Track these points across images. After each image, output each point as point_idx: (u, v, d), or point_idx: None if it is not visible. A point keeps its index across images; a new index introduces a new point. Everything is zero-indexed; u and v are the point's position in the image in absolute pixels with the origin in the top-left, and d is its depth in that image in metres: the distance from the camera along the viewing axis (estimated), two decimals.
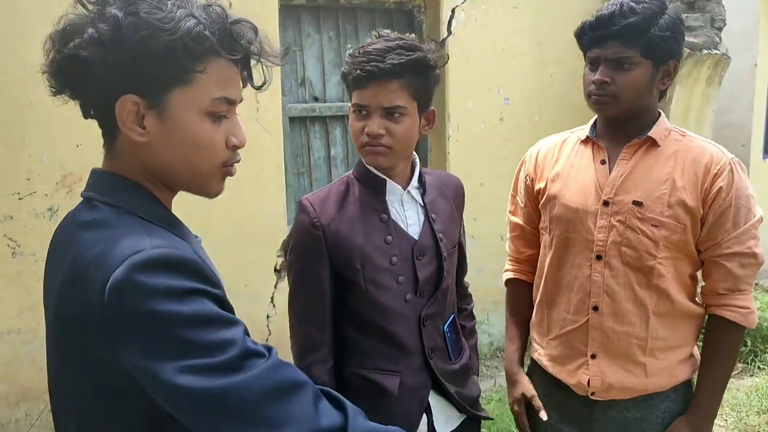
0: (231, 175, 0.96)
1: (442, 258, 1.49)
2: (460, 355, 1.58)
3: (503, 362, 1.80)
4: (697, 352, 1.64)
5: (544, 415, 1.66)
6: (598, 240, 1.54)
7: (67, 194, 2.85)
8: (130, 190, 0.89)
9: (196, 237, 1.01)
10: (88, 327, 0.80)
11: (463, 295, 1.72)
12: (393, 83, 1.33)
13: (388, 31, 1.40)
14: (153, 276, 0.77)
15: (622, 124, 1.56)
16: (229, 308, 0.85)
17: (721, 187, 1.48)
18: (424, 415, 1.48)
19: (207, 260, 0.94)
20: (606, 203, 1.54)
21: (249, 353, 0.80)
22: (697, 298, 1.63)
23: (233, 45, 0.88)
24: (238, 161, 0.96)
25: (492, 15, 3.78)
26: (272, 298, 3.38)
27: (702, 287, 1.63)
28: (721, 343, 1.56)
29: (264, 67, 0.94)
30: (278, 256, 3.37)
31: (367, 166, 1.45)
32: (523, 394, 1.72)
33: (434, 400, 1.50)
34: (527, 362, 1.81)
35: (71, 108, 0.93)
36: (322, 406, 0.84)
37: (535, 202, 1.70)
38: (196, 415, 0.78)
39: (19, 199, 2.78)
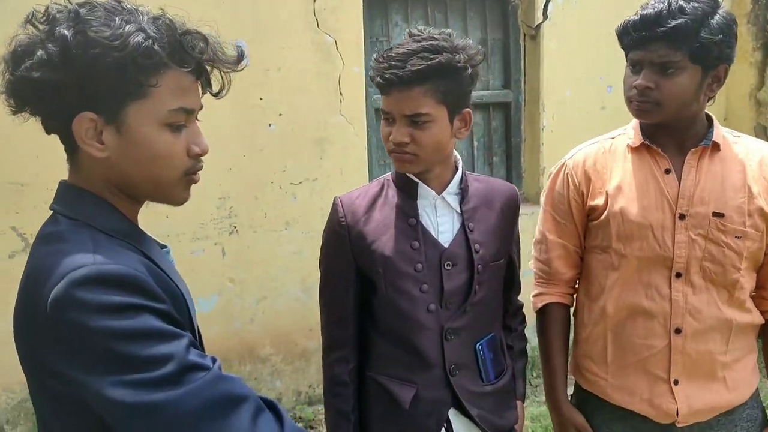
0: (195, 182, 0.96)
1: (474, 269, 1.40)
2: (497, 377, 1.48)
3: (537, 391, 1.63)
4: None
5: None
6: (677, 257, 1.42)
7: None
8: (91, 203, 0.90)
9: (164, 247, 1.01)
10: (37, 340, 0.82)
11: (513, 313, 1.61)
12: (415, 90, 1.26)
13: (422, 28, 1.33)
14: (90, 292, 0.78)
15: (678, 129, 1.43)
16: (176, 322, 0.84)
17: None
18: None
19: (169, 271, 0.93)
20: (682, 216, 1.42)
21: (189, 367, 0.79)
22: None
23: (184, 56, 0.87)
24: (200, 168, 0.95)
25: None
26: None
27: (761, 291, 1.52)
28: None
29: (222, 73, 0.92)
30: None
31: None
32: (577, 429, 1.58)
33: (456, 420, 1.42)
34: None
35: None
36: (262, 421, 0.81)
37: (583, 219, 1.55)
38: (132, 430, 0.78)
39: None
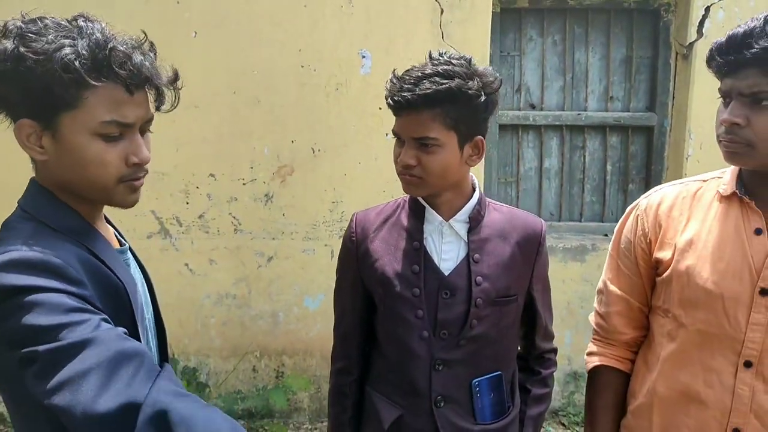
0: (136, 188, 1.01)
1: (472, 302, 1.32)
2: (495, 419, 1.38)
3: None
4: None
5: None
6: (749, 341, 1.17)
7: (281, 183, 3.21)
8: (44, 201, 0.98)
9: (122, 245, 1.08)
10: None
11: (537, 357, 1.49)
12: (424, 114, 1.23)
13: (444, 51, 1.29)
14: (8, 273, 0.84)
15: None
16: (95, 307, 0.88)
17: None
18: None
19: (114, 267, 0.98)
20: (764, 292, 1.16)
21: (99, 327, 0.84)
22: None
23: (109, 73, 0.91)
24: (142, 175, 1.01)
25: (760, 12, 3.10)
26: None
27: None
28: None
29: (173, 90, 0.96)
30: None
31: None
32: None
33: None
34: None
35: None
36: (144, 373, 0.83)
37: (649, 271, 1.33)
38: (44, 374, 0.81)
39: (243, 184, 3.22)
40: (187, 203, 3.22)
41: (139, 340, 1.03)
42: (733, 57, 1.11)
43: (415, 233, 1.38)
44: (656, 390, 1.30)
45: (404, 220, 1.41)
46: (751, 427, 1.18)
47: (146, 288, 1.19)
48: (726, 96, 1.16)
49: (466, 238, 1.37)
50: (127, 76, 0.92)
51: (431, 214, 1.37)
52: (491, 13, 3.12)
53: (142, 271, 1.19)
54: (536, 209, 3.49)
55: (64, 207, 1.00)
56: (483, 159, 1.39)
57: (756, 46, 1.08)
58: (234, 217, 3.25)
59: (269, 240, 3.26)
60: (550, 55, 3.37)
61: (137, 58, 0.93)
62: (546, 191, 3.49)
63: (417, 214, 1.39)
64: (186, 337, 3.35)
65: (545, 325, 1.47)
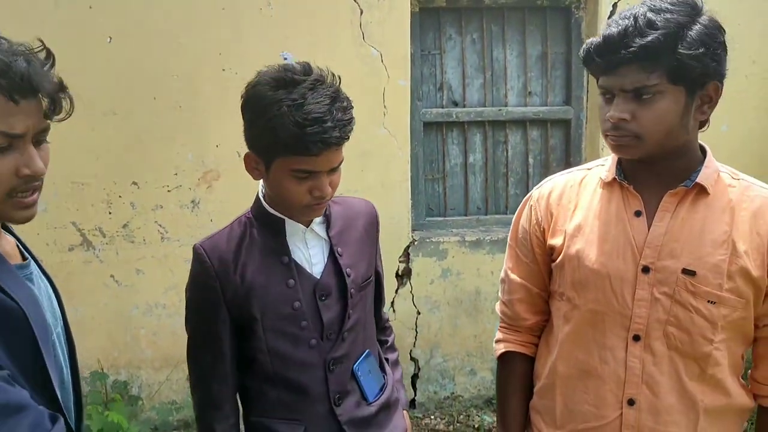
0: (28, 203, 0.97)
1: (348, 294, 1.37)
2: (379, 392, 1.46)
3: None
4: None
5: None
6: (636, 316, 1.24)
7: (207, 189, 3.18)
8: None
9: (25, 260, 1.06)
10: None
11: (383, 327, 1.60)
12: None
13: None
14: None
15: (658, 164, 1.23)
16: None
17: None
18: None
19: (8, 286, 0.96)
20: (646, 269, 1.23)
21: None
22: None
23: None
24: (33, 188, 0.98)
25: None
26: (393, 303, 3.38)
27: (754, 371, 1.29)
28: None
29: (65, 97, 0.95)
30: (400, 262, 3.36)
31: (265, 206, 1.35)
32: None
33: None
34: None
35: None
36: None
37: (545, 258, 1.39)
38: None
39: (168, 191, 3.17)
40: (110, 213, 3.14)
41: (41, 356, 1.01)
42: (612, 57, 1.15)
43: (278, 248, 1.35)
44: (557, 369, 1.36)
45: (261, 238, 1.35)
46: (643, 396, 1.25)
47: (55, 300, 1.16)
48: (606, 93, 1.21)
49: (326, 236, 1.39)
50: (8, 85, 0.89)
51: (291, 224, 1.35)
52: (410, 13, 3.18)
53: (50, 284, 1.16)
54: (463, 204, 3.57)
55: None
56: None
57: (633, 45, 1.12)
58: (160, 225, 3.19)
59: None
60: (470, 54, 3.46)
61: (20, 65, 0.90)
62: (472, 186, 3.58)
63: (274, 228, 1.35)
64: (116, 350, 3.27)
65: (384, 297, 1.58)
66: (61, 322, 1.15)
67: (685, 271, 1.20)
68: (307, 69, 1.25)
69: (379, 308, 1.57)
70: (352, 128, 1.25)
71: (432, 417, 3.40)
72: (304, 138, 1.17)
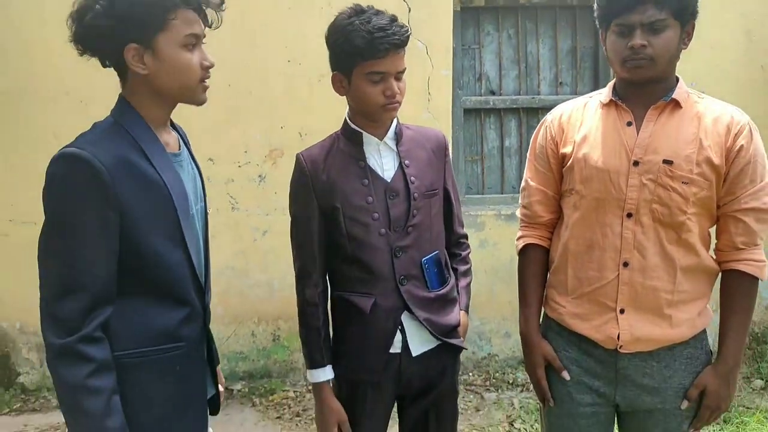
0: (207, 87, 1.39)
1: (411, 197, 1.70)
2: (440, 286, 1.77)
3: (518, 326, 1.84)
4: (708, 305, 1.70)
5: (566, 375, 1.74)
6: (629, 198, 1.59)
7: (272, 165, 3.61)
8: (125, 108, 1.34)
9: (178, 151, 1.45)
10: None
11: (456, 241, 1.90)
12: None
13: None
14: (56, 166, 1.23)
15: (646, 87, 1.61)
16: (111, 195, 1.24)
17: (741, 146, 1.55)
18: (399, 334, 1.71)
19: (158, 165, 1.32)
20: (636, 163, 1.59)
21: None
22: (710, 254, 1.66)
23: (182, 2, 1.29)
24: (209, 77, 1.38)
25: None
26: None
27: (717, 243, 1.67)
28: (741, 295, 1.64)
29: (217, 13, 1.38)
30: None
31: (349, 123, 1.71)
32: (544, 357, 1.78)
33: (408, 321, 1.72)
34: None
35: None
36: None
37: (559, 166, 1.76)
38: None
39: (238, 167, 3.61)
40: None
41: (180, 224, 1.36)
42: None
43: (357, 155, 1.70)
44: (569, 247, 1.72)
45: (345, 147, 1.70)
46: (635, 259, 1.60)
47: (199, 183, 1.54)
48: (626, 28, 1.53)
49: (396, 150, 1.73)
50: (199, 2, 1.32)
51: (368, 137, 1.69)
52: (452, 11, 3.59)
53: (198, 171, 1.54)
54: (500, 184, 3.93)
55: (135, 113, 1.34)
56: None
57: None
58: (231, 197, 3.63)
59: (263, 216, 3.65)
60: (506, 48, 3.84)
61: None
62: (507, 167, 3.94)
63: (354, 139, 1.70)
64: None
65: (458, 214, 1.89)
66: (202, 202, 1.55)
67: (665, 161, 1.56)
68: (371, 6, 1.64)
69: (451, 223, 1.86)
70: (409, 37, 1.60)
71: (470, 374, 3.74)
72: (374, 42, 1.53)
